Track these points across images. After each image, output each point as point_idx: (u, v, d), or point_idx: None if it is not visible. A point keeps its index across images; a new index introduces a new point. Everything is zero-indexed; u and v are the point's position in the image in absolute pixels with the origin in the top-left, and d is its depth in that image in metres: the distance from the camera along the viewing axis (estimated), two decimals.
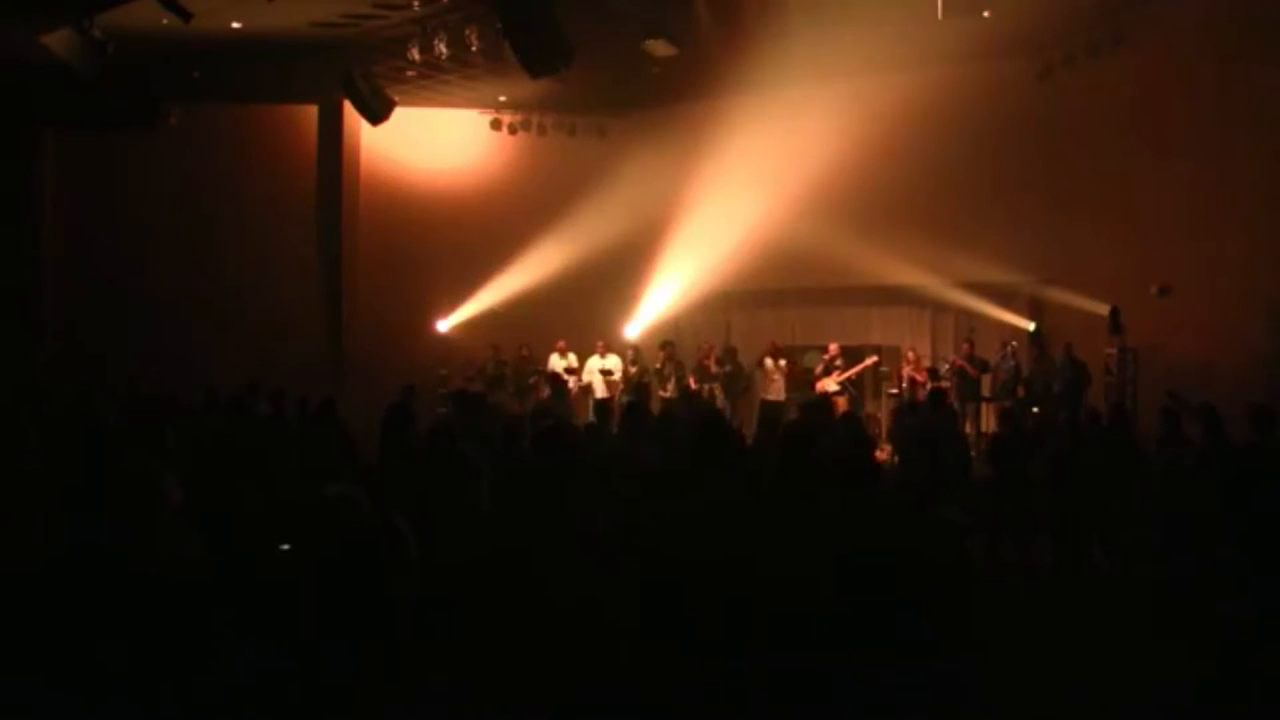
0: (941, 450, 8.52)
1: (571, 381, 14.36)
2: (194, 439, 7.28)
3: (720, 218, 15.09)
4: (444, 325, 16.42)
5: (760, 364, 14.12)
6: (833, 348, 13.89)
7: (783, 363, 13.90)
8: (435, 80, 14.39)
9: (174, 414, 8.35)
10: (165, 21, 10.52)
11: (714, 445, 4.12)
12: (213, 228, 15.34)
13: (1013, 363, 13.01)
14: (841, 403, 13.36)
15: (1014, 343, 13.26)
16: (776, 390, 13.82)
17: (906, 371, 13.57)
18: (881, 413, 14.33)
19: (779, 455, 5.32)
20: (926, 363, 13.87)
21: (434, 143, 16.70)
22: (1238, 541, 6.05)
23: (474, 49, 12.01)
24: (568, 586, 2.83)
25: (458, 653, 2.37)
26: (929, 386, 12.70)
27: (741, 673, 3.35)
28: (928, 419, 9.45)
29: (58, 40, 10.77)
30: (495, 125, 16.63)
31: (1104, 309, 12.09)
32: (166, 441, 5.90)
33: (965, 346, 13.38)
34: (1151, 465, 8.10)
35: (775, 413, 13.36)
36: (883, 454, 11.52)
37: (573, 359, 14.67)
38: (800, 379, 14.47)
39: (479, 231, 16.24)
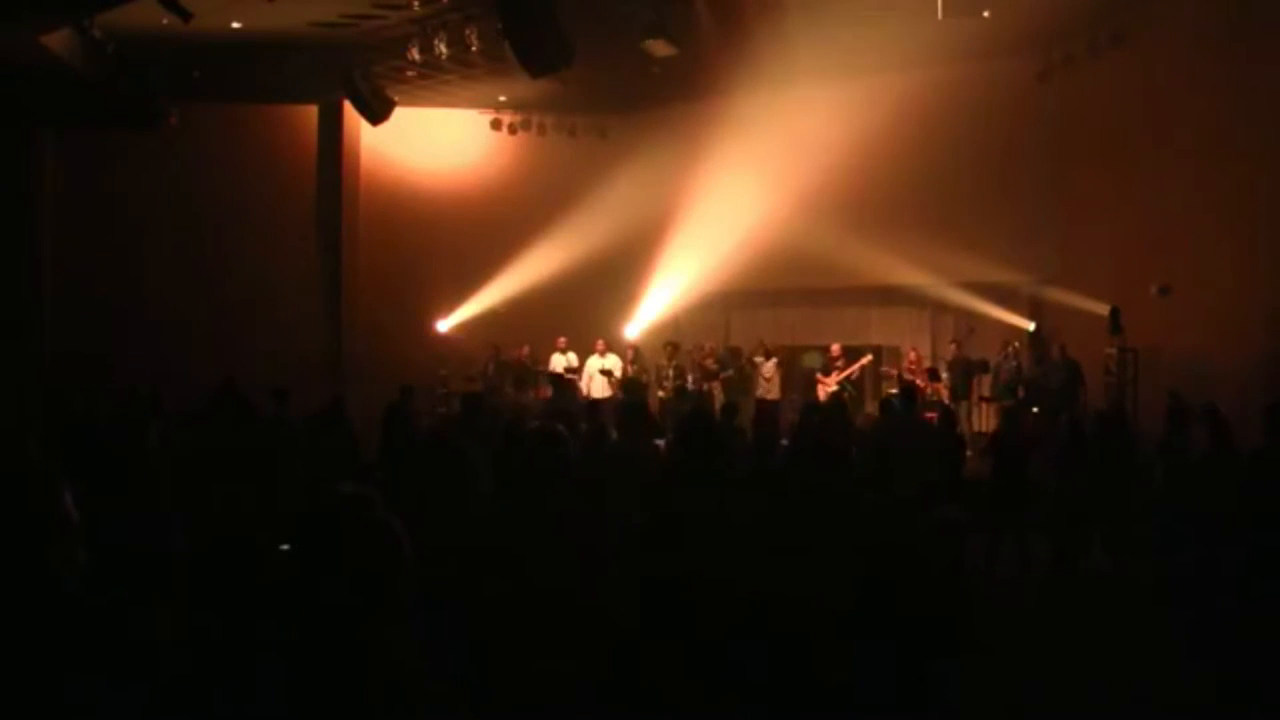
0: (929, 450, 8.46)
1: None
2: (191, 439, 7.28)
3: (720, 218, 15.09)
4: (444, 325, 16.42)
5: (751, 363, 14.14)
6: (835, 348, 13.91)
7: (774, 361, 13.92)
8: (435, 80, 14.39)
9: (161, 413, 8.33)
10: (165, 21, 10.51)
11: (700, 448, 4.12)
12: (212, 227, 15.34)
13: (1014, 363, 13.03)
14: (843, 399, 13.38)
15: (1015, 343, 13.27)
16: (770, 390, 13.83)
17: (906, 367, 13.60)
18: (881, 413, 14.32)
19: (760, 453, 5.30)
20: (928, 363, 13.88)
21: (434, 143, 16.70)
22: (1241, 541, 6.05)
23: (474, 49, 12.02)
24: (558, 589, 2.82)
25: (451, 655, 2.37)
26: (926, 388, 12.72)
27: (739, 673, 3.34)
28: (901, 418, 9.30)
29: (58, 40, 10.76)
30: (495, 125, 16.63)
31: (1104, 309, 12.09)
32: (151, 440, 5.87)
33: (952, 347, 13.46)
34: (1152, 464, 8.10)
35: (770, 412, 13.40)
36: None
37: (573, 358, 14.68)
38: (799, 378, 14.49)
39: (479, 231, 16.24)
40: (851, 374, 13.82)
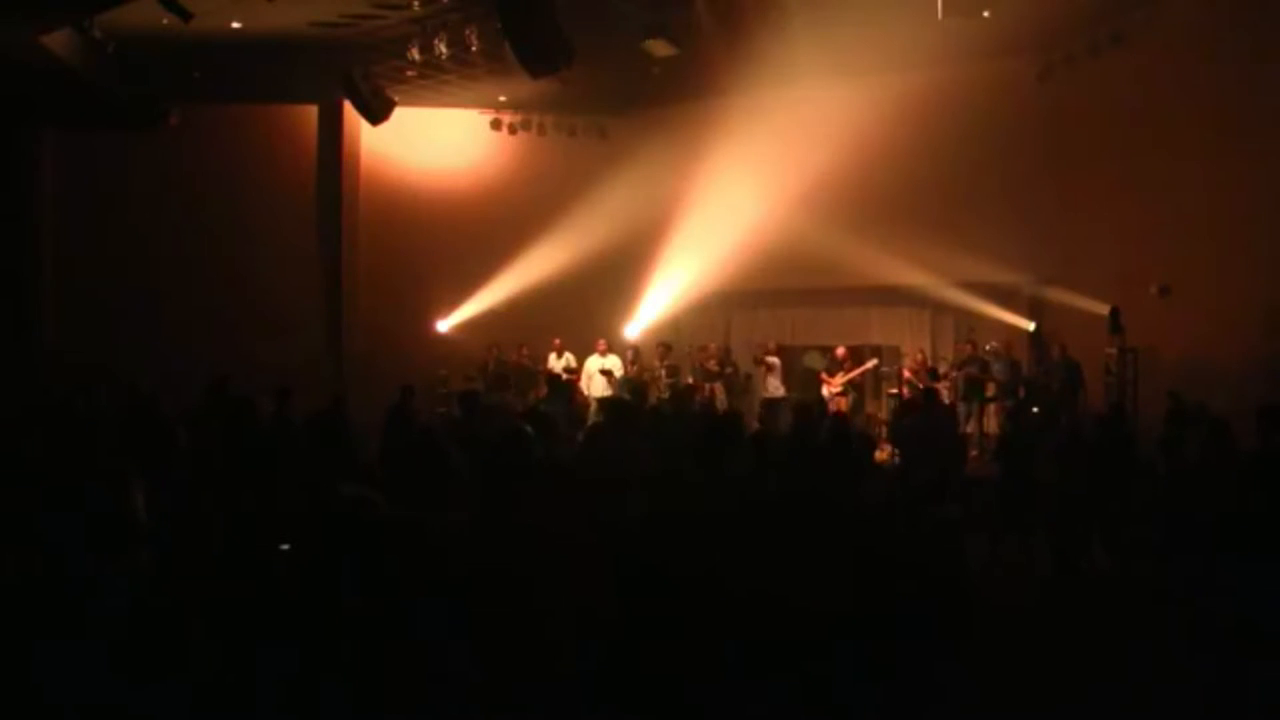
0: (939, 449, 8.54)
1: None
2: (195, 439, 7.25)
3: (720, 218, 15.09)
4: (444, 325, 16.43)
5: (762, 362, 14.16)
6: (841, 350, 13.94)
7: (764, 366, 14.01)
8: (435, 80, 14.39)
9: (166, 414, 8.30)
10: (165, 21, 10.52)
11: (716, 446, 4.12)
12: (212, 228, 15.34)
13: (1002, 362, 13.07)
14: (844, 403, 13.40)
15: (993, 343, 13.29)
16: (775, 388, 13.87)
17: (906, 364, 13.64)
18: (882, 413, 14.35)
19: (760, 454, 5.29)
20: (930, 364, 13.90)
21: (434, 143, 16.70)
22: (1240, 542, 6.05)
23: (474, 49, 12.01)
24: (536, 588, 2.83)
25: (446, 650, 2.37)
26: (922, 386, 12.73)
27: (733, 673, 3.34)
28: (924, 419, 9.45)
29: (58, 40, 10.76)
30: (495, 125, 16.64)
31: (1104, 309, 12.09)
32: (179, 441, 5.83)
33: (967, 347, 13.45)
34: (1152, 465, 8.10)
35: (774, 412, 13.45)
36: (882, 454, 11.54)
37: (570, 358, 14.70)
38: (800, 378, 14.49)
39: (479, 231, 16.25)
40: (855, 377, 13.83)
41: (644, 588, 3.31)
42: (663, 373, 14.29)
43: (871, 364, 14.20)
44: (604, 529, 3.64)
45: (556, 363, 14.65)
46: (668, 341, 14.94)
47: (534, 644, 2.72)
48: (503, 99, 16.05)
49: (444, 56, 12.33)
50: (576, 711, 2.84)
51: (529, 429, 3.37)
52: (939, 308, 14.79)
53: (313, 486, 5.53)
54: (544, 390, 14.15)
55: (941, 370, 13.50)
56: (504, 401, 13.58)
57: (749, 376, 14.61)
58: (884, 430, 13.30)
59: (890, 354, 14.86)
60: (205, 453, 6.35)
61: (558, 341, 14.86)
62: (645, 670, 3.17)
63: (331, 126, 16.25)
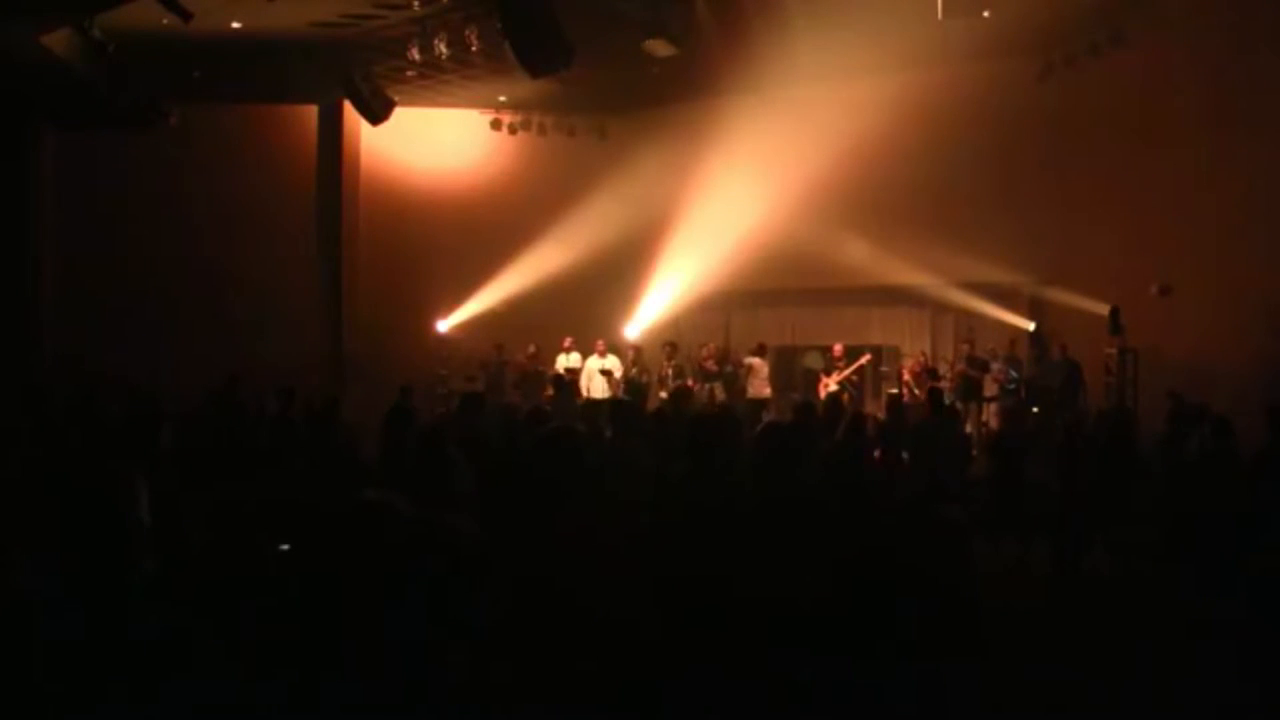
0: (941, 451, 8.53)
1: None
2: (192, 440, 7.25)
3: (720, 218, 15.10)
4: (444, 325, 16.43)
5: (741, 364, 14.18)
6: (837, 348, 13.96)
7: (755, 361, 14.00)
8: (435, 80, 14.39)
9: (164, 414, 8.29)
10: (165, 21, 10.52)
11: (703, 448, 4.09)
12: (212, 227, 15.34)
13: (999, 360, 13.10)
14: (842, 400, 13.40)
15: (991, 346, 13.33)
16: (756, 389, 13.90)
17: (907, 364, 13.65)
18: (881, 412, 14.35)
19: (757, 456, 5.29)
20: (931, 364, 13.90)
21: (434, 143, 16.71)
22: (1241, 542, 6.06)
23: (474, 49, 12.02)
24: (571, 591, 2.82)
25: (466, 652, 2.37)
26: (925, 387, 12.73)
27: (742, 675, 3.34)
28: (927, 419, 9.43)
29: (58, 40, 10.76)
30: (495, 125, 16.64)
31: (1104, 309, 12.10)
32: (163, 441, 5.82)
33: (964, 347, 13.46)
34: (1152, 465, 8.10)
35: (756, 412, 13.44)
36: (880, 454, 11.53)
37: (576, 358, 14.67)
38: (801, 378, 14.50)
39: (479, 231, 16.24)
40: (849, 374, 13.84)
41: (665, 589, 3.31)
42: (670, 372, 14.28)
43: (864, 359, 14.22)
44: (621, 529, 3.64)
45: (564, 360, 14.60)
46: (674, 341, 14.93)
47: (560, 651, 2.71)
48: (503, 99, 16.05)
49: (444, 56, 12.34)
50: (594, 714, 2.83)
51: (583, 428, 3.35)
52: (939, 308, 14.81)
53: (311, 487, 5.53)
54: (549, 391, 14.15)
55: (940, 370, 13.51)
56: (504, 402, 13.57)
57: (742, 377, 14.58)
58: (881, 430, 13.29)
59: (890, 354, 14.86)
60: (191, 454, 6.33)
61: (568, 341, 14.81)
62: (659, 674, 3.17)
63: (331, 126, 16.26)
